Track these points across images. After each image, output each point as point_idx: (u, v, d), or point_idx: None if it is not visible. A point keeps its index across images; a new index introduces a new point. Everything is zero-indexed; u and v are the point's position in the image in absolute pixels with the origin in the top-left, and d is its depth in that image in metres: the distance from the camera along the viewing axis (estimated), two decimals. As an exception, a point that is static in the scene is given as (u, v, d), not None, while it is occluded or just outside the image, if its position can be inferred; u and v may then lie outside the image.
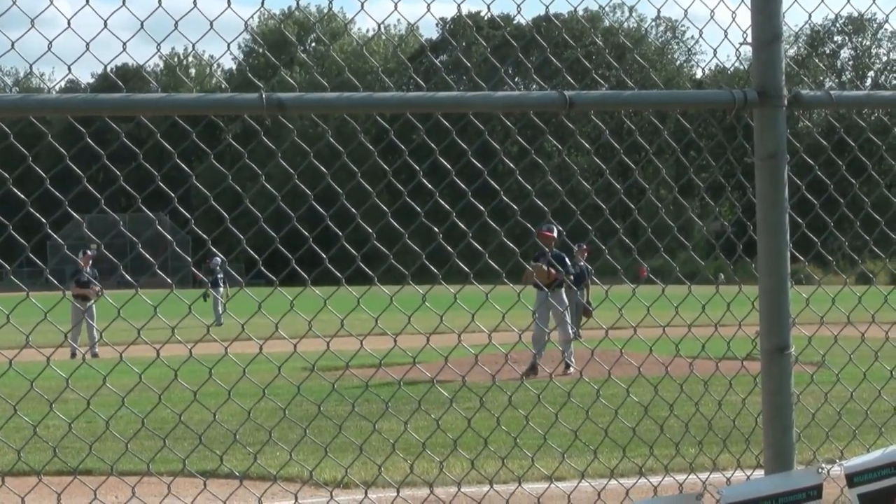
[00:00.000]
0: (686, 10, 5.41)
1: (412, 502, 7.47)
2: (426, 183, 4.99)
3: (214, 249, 5.07)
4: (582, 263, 27.73)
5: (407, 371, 5.87)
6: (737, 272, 6.44)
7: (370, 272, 5.15)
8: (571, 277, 22.73)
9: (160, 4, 4.27)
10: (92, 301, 27.87)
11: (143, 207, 5.24)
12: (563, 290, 21.18)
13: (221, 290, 41.66)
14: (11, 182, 4.29)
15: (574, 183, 6.45)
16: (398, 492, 6.36)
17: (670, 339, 5.70)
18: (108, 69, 4.59)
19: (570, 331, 21.68)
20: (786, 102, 4.46)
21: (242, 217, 5.13)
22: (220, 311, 39.15)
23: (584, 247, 27.51)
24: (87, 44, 4.16)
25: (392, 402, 6.39)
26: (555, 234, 20.81)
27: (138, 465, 10.65)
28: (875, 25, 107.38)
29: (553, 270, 20.49)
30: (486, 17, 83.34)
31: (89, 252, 29.69)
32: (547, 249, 20.91)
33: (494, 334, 5.28)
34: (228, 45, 4.47)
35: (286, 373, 5.41)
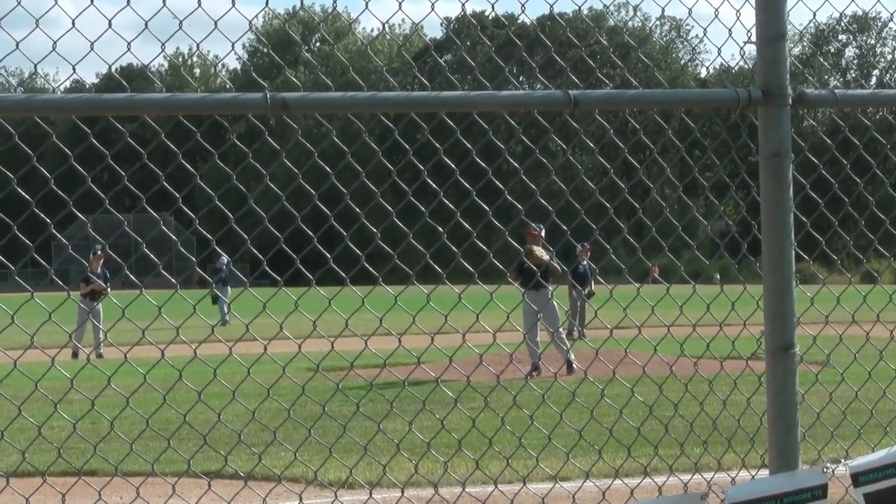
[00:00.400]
0: (690, 9, 5.41)
1: (417, 503, 7.47)
2: (430, 182, 4.99)
3: (219, 249, 5.07)
4: (585, 263, 27.72)
5: (411, 371, 5.87)
6: (741, 271, 6.44)
7: (375, 272, 5.15)
8: (557, 266, 22.60)
9: (164, 4, 4.27)
10: (99, 301, 27.82)
11: (148, 207, 5.25)
12: (549, 289, 21.22)
13: (228, 289, 41.56)
14: (16, 182, 4.29)
15: (578, 182, 6.46)
16: (403, 492, 6.36)
17: (675, 338, 5.70)
18: (113, 69, 4.59)
19: (561, 329, 21.64)
20: (790, 101, 4.46)
21: (247, 217, 5.13)
22: (226, 311, 39.11)
23: (587, 246, 27.46)
24: (92, 44, 4.16)
25: (397, 402, 6.39)
26: (541, 234, 20.87)
27: (143, 466, 10.66)
28: (880, 24, 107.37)
29: (547, 256, 20.57)
30: (490, 17, 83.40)
31: (99, 252, 29.62)
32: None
33: (499, 334, 5.28)
34: (233, 44, 4.48)
35: (291, 373, 5.41)
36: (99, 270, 29.45)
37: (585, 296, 26.71)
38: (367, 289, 5.29)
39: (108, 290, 26.93)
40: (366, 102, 4.20)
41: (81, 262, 24.84)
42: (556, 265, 21.32)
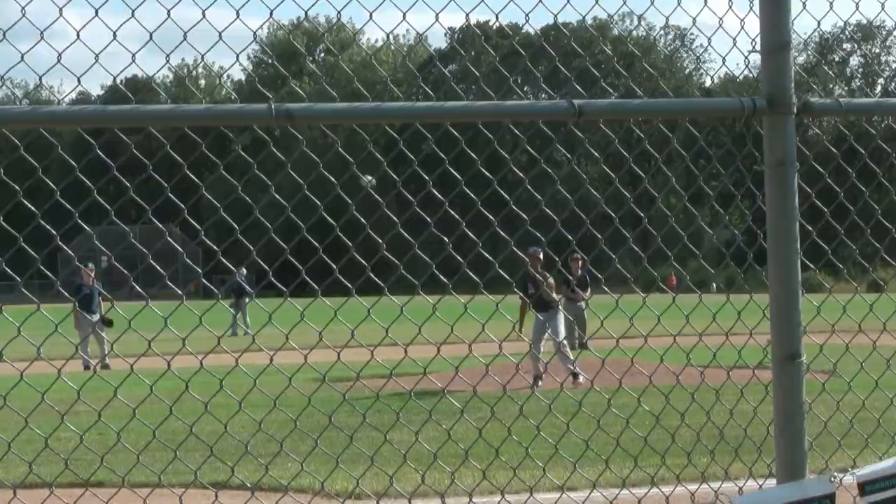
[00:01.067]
0: (695, 19, 5.41)
1: (423, 513, 7.45)
2: (436, 193, 4.99)
3: (225, 260, 5.06)
4: (580, 273, 27.31)
5: (418, 381, 5.86)
6: (747, 281, 6.43)
7: (380, 282, 5.15)
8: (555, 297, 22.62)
9: (169, 15, 4.27)
10: (98, 315, 27.71)
11: (154, 219, 5.25)
12: (553, 310, 21.30)
13: (246, 301, 41.09)
14: (22, 194, 4.30)
15: (584, 192, 6.44)
16: (409, 502, 6.36)
17: (681, 347, 5.69)
18: (118, 81, 4.60)
19: (563, 343, 21.56)
20: (795, 110, 4.45)
21: (252, 228, 5.13)
22: (237, 324, 38.95)
23: (577, 256, 26.83)
24: (97, 55, 4.17)
25: (403, 412, 6.39)
26: (540, 257, 20.90)
27: (150, 477, 10.66)
28: (884, 32, 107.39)
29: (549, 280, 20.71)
30: (494, 27, 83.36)
31: (90, 266, 29.38)
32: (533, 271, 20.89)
33: (505, 344, 5.28)
34: (237, 55, 4.48)
35: (297, 384, 5.41)
36: (91, 283, 29.12)
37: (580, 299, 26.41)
38: (373, 299, 5.30)
39: (101, 306, 26.82)
40: (370, 113, 4.19)
41: (88, 273, 24.67)
42: (554, 295, 21.53)
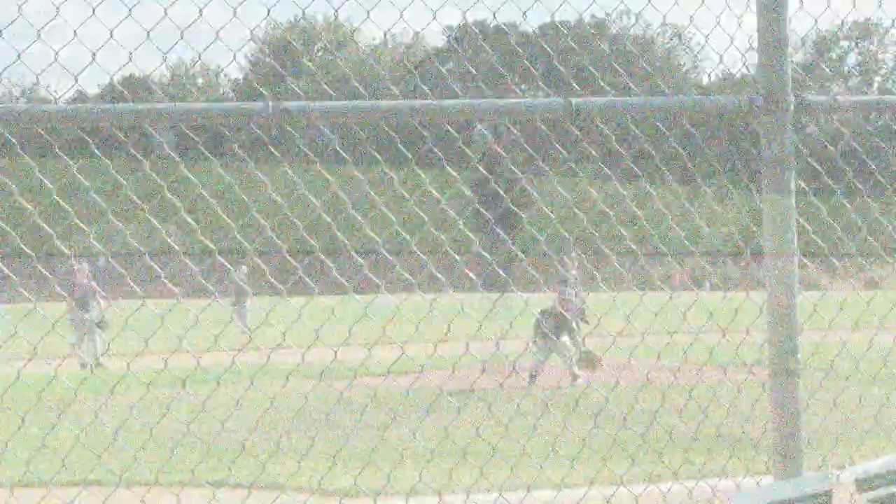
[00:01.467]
0: (692, 17, 5.40)
1: (421, 511, 7.45)
2: (433, 191, 4.99)
3: (222, 259, 5.06)
4: (574, 272, 26.96)
5: (415, 379, 5.87)
6: (744, 278, 6.43)
7: (377, 280, 5.14)
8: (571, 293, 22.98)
9: (166, 14, 4.27)
10: (89, 312, 27.49)
11: (150, 217, 5.24)
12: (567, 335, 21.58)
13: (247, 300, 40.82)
14: (18, 193, 4.29)
15: (582, 190, 6.44)
16: (407, 500, 6.36)
17: (678, 345, 5.69)
18: (115, 79, 4.59)
19: (563, 342, 21.69)
20: (792, 107, 4.45)
21: (249, 227, 5.13)
22: (240, 319, 38.65)
23: (572, 255, 26.24)
24: (94, 54, 4.16)
25: (400, 410, 6.39)
26: (573, 299, 21.54)
27: (147, 476, 10.65)
28: (881, 30, 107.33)
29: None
30: (492, 25, 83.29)
31: (84, 265, 29.16)
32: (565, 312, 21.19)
33: (502, 342, 5.28)
34: (234, 54, 4.47)
35: (294, 382, 5.41)
36: (85, 281, 28.85)
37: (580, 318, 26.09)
38: (370, 297, 5.29)
39: (101, 302, 26.75)
40: (368, 110, 4.19)
41: (82, 272, 24.52)
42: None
